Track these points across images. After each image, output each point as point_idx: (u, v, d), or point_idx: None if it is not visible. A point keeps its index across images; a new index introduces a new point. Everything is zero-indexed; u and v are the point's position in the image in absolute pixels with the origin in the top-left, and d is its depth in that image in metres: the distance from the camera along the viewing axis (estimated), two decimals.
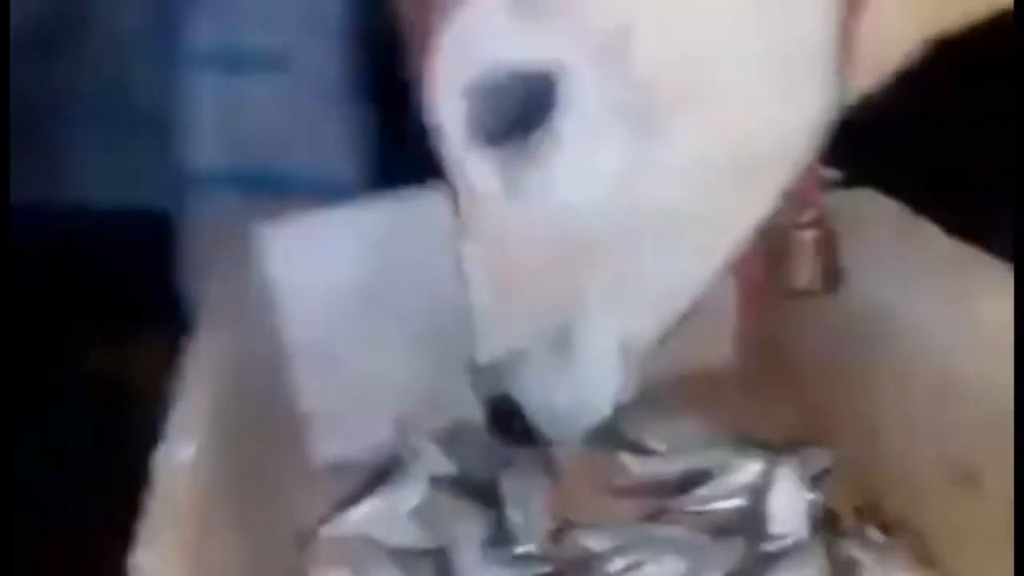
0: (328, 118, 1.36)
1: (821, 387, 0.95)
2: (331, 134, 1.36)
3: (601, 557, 0.85)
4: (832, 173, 0.87)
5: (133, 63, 1.56)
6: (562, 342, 0.81)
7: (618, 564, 0.84)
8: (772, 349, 1.04)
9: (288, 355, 1.04)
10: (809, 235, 0.81)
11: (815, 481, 0.88)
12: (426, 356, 1.08)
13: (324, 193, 1.34)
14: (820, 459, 0.90)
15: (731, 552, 0.79)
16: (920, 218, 0.86)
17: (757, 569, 0.78)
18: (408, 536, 0.91)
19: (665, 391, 1.07)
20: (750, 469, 0.91)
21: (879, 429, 0.85)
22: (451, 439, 1.03)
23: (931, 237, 0.77)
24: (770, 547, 0.80)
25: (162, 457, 0.63)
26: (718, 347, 1.13)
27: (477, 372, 0.85)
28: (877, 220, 0.85)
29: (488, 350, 0.83)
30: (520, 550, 0.88)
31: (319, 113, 1.35)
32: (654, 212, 0.72)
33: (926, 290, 0.76)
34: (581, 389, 0.82)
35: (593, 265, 0.76)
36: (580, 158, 0.69)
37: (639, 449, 1.00)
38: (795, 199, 0.80)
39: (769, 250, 0.84)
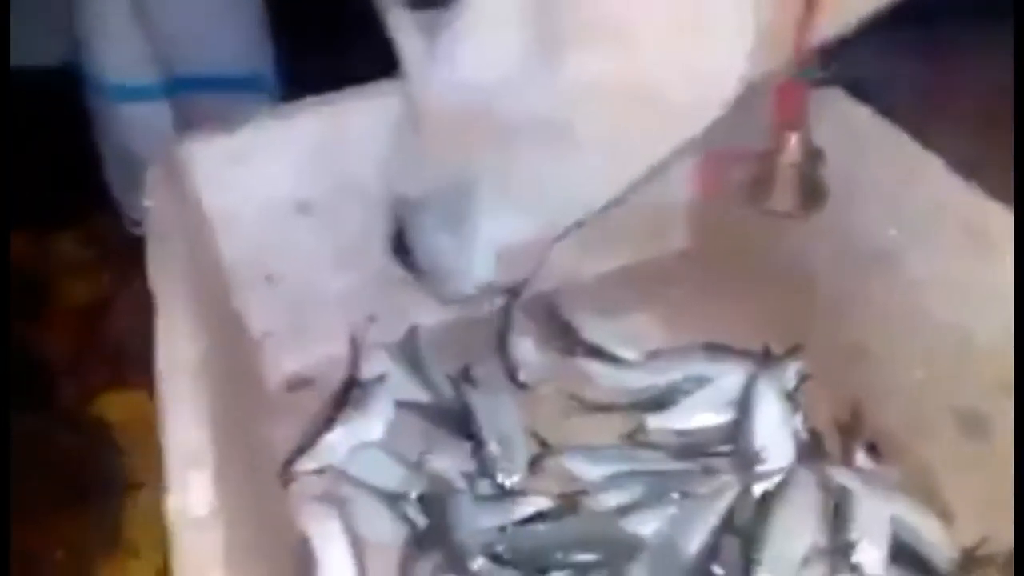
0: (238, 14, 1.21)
1: (798, 298, 0.94)
2: (243, 30, 1.22)
3: (589, 491, 0.84)
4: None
5: None
6: (456, 210, 0.84)
7: (610, 500, 0.83)
8: (734, 255, 1.01)
9: (229, 276, 0.96)
10: (790, 160, 0.79)
11: (794, 394, 0.89)
12: (367, 266, 1.02)
13: (246, 89, 1.22)
14: (795, 370, 0.91)
15: (724, 494, 0.79)
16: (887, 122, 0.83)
17: (753, 512, 0.78)
18: (389, 473, 0.88)
19: (621, 284, 1.07)
20: (726, 385, 0.91)
21: (868, 350, 0.85)
22: (412, 357, 1.00)
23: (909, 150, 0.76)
24: (762, 486, 0.80)
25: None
26: (672, 235, 1.11)
27: (391, 201, 0.89)
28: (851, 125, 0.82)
29: (400, 186, 0.88)
30: (503, 481, 0.86)
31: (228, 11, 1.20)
32: (551, 123, 0.74)
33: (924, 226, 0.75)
34: (460, 256, 0.86)
35: (492, 149, 0.78)
36: (480, 46, 0.73)
37: (605, 357, 0.99)
38: (779, 124, 0.78)
39: (753, 173, 0.83)
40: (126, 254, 1.29)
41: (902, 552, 0.76)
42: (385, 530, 0.84)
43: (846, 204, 0.80)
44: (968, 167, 0.70)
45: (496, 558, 0.78)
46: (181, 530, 0.54)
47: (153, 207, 0.85)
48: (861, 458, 0.83)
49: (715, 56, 0.69)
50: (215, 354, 0.73)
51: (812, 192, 0.81)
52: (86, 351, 1.17)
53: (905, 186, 0.77)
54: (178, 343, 0.68)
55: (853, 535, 0.76)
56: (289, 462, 0.91)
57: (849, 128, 0.80)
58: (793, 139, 0.79)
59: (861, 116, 0.81)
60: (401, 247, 0.91)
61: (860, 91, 0.81)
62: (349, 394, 0.98)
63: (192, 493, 0.56)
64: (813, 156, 0.79)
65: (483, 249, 0.83)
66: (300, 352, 1.01)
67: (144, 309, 1.14)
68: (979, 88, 0.77)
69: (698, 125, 0.72)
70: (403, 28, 0.76)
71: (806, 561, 0.74)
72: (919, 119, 0.76)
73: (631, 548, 0.77)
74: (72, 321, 1.22)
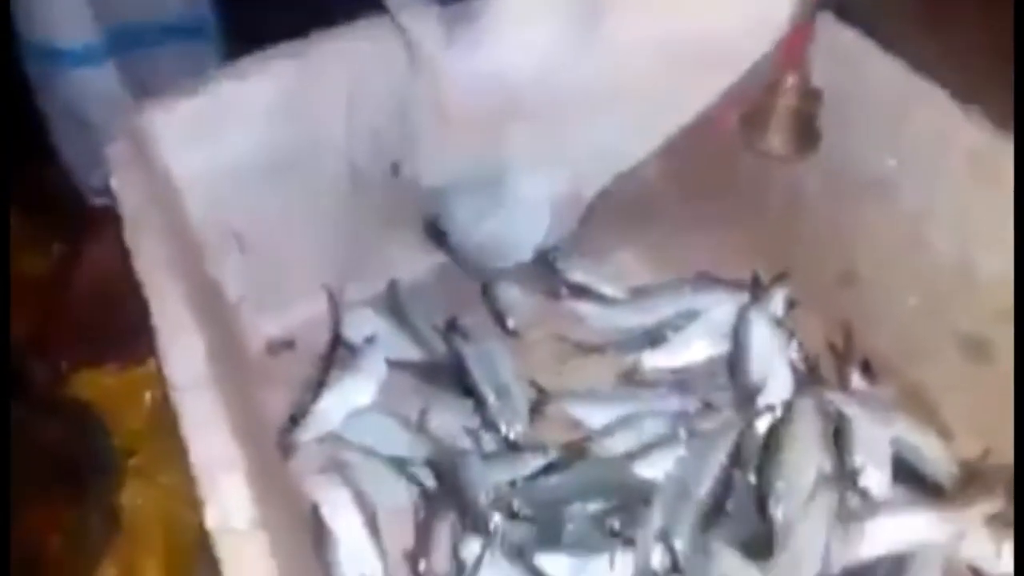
0: None
1: (784, 225, 0.94)
2: None
3: (594, 437, 0.85)
4: None
5: None
6: (493, 186, 0.86)
7: (616, 445, 0.83)
8: (717, 183, 1.01)
9: (201, 242, 0.92)
10: (786, 102, 0.78)
11: (784, 321, 0.89)
12: (339, 221, 0.99)
13: (190, 38, 1.16)
14: (783, 296, 0.91)
15: (730, 432, 0.80)
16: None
17: (760, 446, 0.79)
18: (392, 438, 0.87)
19: (600, 221, 1.05)
20: (717, 317, 0.92)
21: (858, 277, 0.86)
22: (397, 313, 0.98)
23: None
24: (765, 419, 0.81)
25: None
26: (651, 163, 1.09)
27: (419, 191, 0.90)
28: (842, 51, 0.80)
29: (428, 176, 0.89)
30: (507, 432, 0.86)
31: None
32: (595, 86, 0.74)
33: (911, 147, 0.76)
34: (504, 232, 0.89)
35: (528, 122, 0.79)
36: (516, 27, 0.73)
37: (593, 296, 0.99)
38: (778, 63, 0.77)
39: (747, 112, 0.82)
40: (76, 223, 1.24)
41: (903, 470, 0.77)
42: (395, 494, 0.84)
43: (838, 132, 0.80)
44: (961, 96, 0.70)
45: (512, 514, 0.78)
46: (223, 539, 0.53)
47: (121, 187, 0.82)
48: (856, 380, 0.85)
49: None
50: (214, 343, 0.71)
51: (807, 134, 0.81)
52: (51, 328, 1.13)
53: (904, 114, 0.76)
54: (182, 344, 0.66)
55: (857, 460, 0.77)
56: (286, 433, 0.89)
57: (840, 53, 0.79)
58: (791, 80, 0.78)
59: (853, 41, 0.80)
60: (436, 233, 0.93)
61: (849, 15, 0.79)
62: (335, 354, 0.96)
63: (229, 502, 0.54)
64: (811, 98, 0.78)
65: (529, 220, 0.85)
66: (278, 314, 0.99)
67: (105, 280, 1.10)
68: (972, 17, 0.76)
69: (744, 67, 0.72)
70: (422, 23, 0.75)
71: (815, 489, 0.75)
72: (911, 46, 0.75)
73: (644, 492, 0.77)
74: (29, 296, 1.17)
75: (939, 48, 0.73)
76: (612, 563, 0.74)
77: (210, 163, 0.90)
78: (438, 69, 0.77)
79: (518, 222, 0.88)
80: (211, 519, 0.54)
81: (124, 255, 0.78)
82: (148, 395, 1.02)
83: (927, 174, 0.75)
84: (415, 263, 1.02)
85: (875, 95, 0.78)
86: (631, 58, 0.72)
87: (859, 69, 0.81)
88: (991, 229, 0.70)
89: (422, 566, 0.77)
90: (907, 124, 0.76)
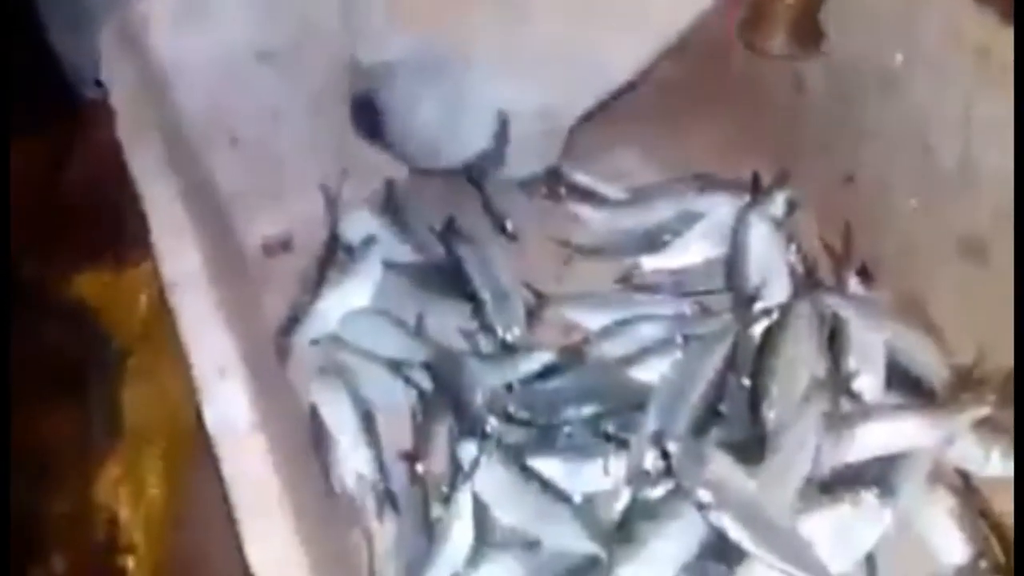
0: None
1: (785, 122, 0.93)
2: None
3: (591, 340, 0.85)
4: None
5: None
6: (438, 75, 0.82)
7: (613, 348, 0.84)
8: (715, 77, 0.98)
9: (194, 137, 0.91)
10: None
11: (784, 223, 0.89)
12: (335, 115, 0.97)
13: None
14: (784, 198, 0.90)
15: (726, 336, 0.79)
16: None
17: (756, 351, 0.79)
18: (390, 340, 0.87)
19: (599, 122, 1.03)
20: (718, 219, 0.91)
21: (859, 177, 0.85)
22: (394, 213, 0.98)
23: None
24: (762, 323, 0.81)
25: None
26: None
27: (355, 67, 0.86)
28: None
29: (369, 52, 0.84)
30: (504, 335, 0.86)
31: None
32: None
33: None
34: (440, 128, 0.84)
35: (488, 13, 0.76)
36: None
37: (593, 198, 0.98)
38: None
39: (746, 13, 0.80)
40: (63, 117, 1.22)
41: (897, 374, 0.78)
42: (392, 396, 0.84)
43: (845, 26, 0.77)
44: None
45: (508, 418, 0.79)
46: (223, 439, 0.54)
47: (113, 77, 0.81)
48: (853, 284, 0.84)
49: None
50: (211, 241, 0.71)
51: (809, 33, 0.79)
52: (43, 228, 1.12)
53: (915, 7, 0.74)
54: (178, 243, 0.65)
55: (851, 364, 0.78)
56: (284, 333, 0.90)
57: None
58: None
59: None
60: (366, 115, 0.87)
61: None
62: (334, 255, 0.96)
63: (228, 403, 0.55)
64: None
65: (471, 123, 0.82)
66: (274, 213, 0.99)
67: (99, 178, 1.08)
68: None
69: None
70: None
71: (807, 393, 0.75)
72: None
73: (639, 396, 0.78)
74: (23, 193, 1.15)
75: None
76: (606, 467, 0.75)
77: (202, 52, 0.89)
78: None
79: (458, 122, 0.84)
80: (210, 420, 0.54)
81: (117, 150, 0.77)
82: (144, 295, 1.02)
83: (935, 70, 0.73)
84: None
85: None
86: None
87: None
88: (994, 128, 0.69)
89: (420, 468, 0.78)
90: (918, 17, 0.73)
